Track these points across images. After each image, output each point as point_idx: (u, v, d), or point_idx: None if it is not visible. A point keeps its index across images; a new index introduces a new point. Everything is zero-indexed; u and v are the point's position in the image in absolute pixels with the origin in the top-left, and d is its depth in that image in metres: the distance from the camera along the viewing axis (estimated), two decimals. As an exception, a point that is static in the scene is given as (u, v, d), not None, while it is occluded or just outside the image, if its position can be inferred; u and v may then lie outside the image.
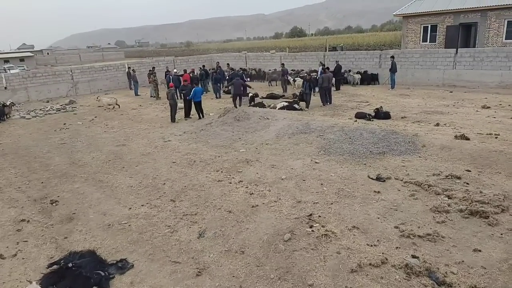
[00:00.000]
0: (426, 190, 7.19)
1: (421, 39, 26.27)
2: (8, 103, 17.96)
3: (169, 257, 5.71)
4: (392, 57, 19.57)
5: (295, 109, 15.24)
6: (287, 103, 15.91)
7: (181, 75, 20.41)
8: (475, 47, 23.02)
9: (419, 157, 8.95)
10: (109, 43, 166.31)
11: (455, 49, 19.21)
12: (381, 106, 13.53)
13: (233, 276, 5.16)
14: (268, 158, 9.78)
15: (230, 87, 19.41)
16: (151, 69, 23.04)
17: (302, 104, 15.85)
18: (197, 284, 5.07)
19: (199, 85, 19.03)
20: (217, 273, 5.26)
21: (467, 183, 7.36)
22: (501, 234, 5.59)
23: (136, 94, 22.89)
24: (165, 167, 9.68)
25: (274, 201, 7.25)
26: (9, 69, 41.48)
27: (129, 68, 25.38)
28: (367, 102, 16.23)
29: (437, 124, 11.76)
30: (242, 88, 16.76)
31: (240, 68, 25.98)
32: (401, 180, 7.71)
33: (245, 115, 13.83)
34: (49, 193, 8.42)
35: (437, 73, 19.64)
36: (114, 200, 7.89)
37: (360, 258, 5.23)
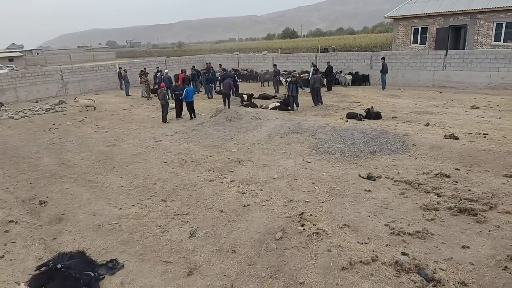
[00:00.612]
0: (416, 188, 7.27)
1: (411, 41, 26.57)
2: (-4, 103, 17.70)
3: (160, 257, 5.67)
4: (383, 58, 19.76)
5: (287, 109, 15.28)
6: (279, 104, 15.96)
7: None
8: (464, 49, 23.36)
9: (409, 156, 9.05)
10: (100, 43, 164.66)
11: (445, 51, 19.47)
12: (372, 107, 13.64)
13: (225, 275, 5.15)
14: (260, 158, 9.78)
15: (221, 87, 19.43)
16: (143, 69, 22.93)
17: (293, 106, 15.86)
18: (188, 284, 5.04)
19: (191, 85, 18.94)
20: (209, 273, 5.24)
21: (456, 182, 7.45)
22: (489, 231, 5.67)
23: (127, 94, 22.73)
24: (156, 167, 9.62)
25: (266, 200, 7.26)
26: (-3, 69, 40.86)
27: (120, 68, 25.18)
28: (358, 102, 16.35)
29: (427, 124, 11.90)
30: (230, 88, 16.75)
31: (232, 69, 25.96)
32: (392, 179, 7.78)
33: (237, 115, 13.82)
34: (38, 194, 8.30)
35: (427, 74, 19.88)
36: (104, 200, 7.81)
37: (350, 255, 5.26)
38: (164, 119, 14.90)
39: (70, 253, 5.57)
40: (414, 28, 26.27)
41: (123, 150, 11.31)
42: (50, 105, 19.62)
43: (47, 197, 8.10)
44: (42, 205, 7.71)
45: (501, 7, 21.87)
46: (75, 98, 19.54)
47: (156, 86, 21.43)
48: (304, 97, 18.31)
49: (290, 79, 16.64)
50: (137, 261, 5.63)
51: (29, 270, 5.39)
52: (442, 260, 5.05)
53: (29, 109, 18.70)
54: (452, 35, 24.70)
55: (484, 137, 10.04)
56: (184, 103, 15.13)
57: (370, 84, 21.61)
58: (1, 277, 5.36)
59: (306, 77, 21.44)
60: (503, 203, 6.46)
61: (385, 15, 29.26)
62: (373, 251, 5.33)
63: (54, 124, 15.49)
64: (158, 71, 23.50)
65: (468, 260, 5.02)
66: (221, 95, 20.68)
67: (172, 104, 15.77)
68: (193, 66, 24.46)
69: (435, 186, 7.24)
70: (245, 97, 18.19)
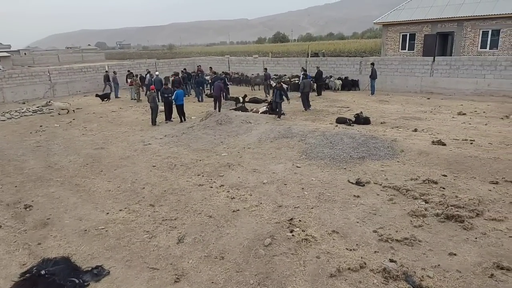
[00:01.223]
0: (404, 194, 7.33)
1: (400, 47, 26.95)
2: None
3: (147, 264, 5.59)
4: (372, 64, 19.98)
5: (275, 113, 15.30)
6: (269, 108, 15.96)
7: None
8: (451, 55, 23.79)
9: (398, 162, 9.14)
10: (89, 44, 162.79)
11: (433, 57, 19.79)
12: (361, 112, 13.75)
13: (212, 282, 5.10)
14: (250, 162, 9.76)
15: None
16: (129, 71, 22.89)
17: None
18: (175, 291, 4.98)
19: (181, 88, 18.83)
20: (196, 279, 5.18)
21: (443, 188, 7.55)
22: (476, 238, 5.74)
23: (117, 97, 22.46)
24: (145, 171, 9.51)
25: (255, 206, 7.23)
26: (-17, 69, 39.96)
27: (107, 72, 24.80)
28: (347, 107, 16.48)
29: (415, 130, 12.05)
30: (221, 91, 16.73)
31: (223, 72, 25.93)
32: (380, 185, 7.84)
33: (227, 119, 13.79)
34: (23, 198, 8.11)
35: (415, 80, 20.17)
36: (91, 204, 7.68)
37: (339, 262, 5.27)
38: (154, 122, 14.77)
39: (55, 259, 5.46)
40: (402, 35, 26.66)
41: (111, 154, 11.15)
42: (37, 107, 19.25)
43: (33, 201, 7.93)
44: (27, 209, 7.54)
45: (487, 15, 22.37)
46: (49, 101, 19.17)
47: (144, 88, 21.32)
48: (294, 101, 18.41)
49: (274, 84, 16.50)
50: (123, 267, 5.53)
51: (12, 277, 5.25)
52: (430, 267, 5.09)
53: (15, 111, 18.32)
54: (440, 41, 25.14)
55: (471, 143, 10.21)
56: (174, 106, 15.03)
57: (359, 89, 21.82)
58: (-18, 285, 5.21)
59: (297, 81, 21.56)
60: (489, 210, 6.56)
61: (374, 21, 29.64)
62: (361, 258, 5.34)
63: (41, 126, 15.22)
64: (147, 73, 23.33)
65: (455, 267, 5.07)
66: (212, 98, 20.73)
67: (162, 106, 15.65)
68: (184, 69, 24.34)
69: (423, 192, 7.32)
70: (240, 99, 18.16)
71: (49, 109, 18.74)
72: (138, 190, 8.31)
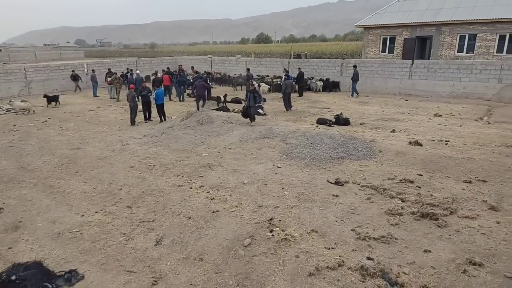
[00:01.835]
0: (381, 193, 7.45)
1: (380, 50, 27.51)
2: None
3: (124, 267, 5.46)
4: (355, 66, 20.28)
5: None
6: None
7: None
8: (429, 59, 24.46)
9: (376, 162, 9.29)
10: (68, 42, 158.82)
11: (411, 60, 20.29)
12: (341, 113, 13.94)
13: (191, 284, 5.03)
14: (230, 163, 9.71)
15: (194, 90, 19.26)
16: (108, 70, 22.41)
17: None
18: (152, 294, 4.89)
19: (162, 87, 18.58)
20: (174, 282, 5.10)
21: (419, 187, 7.72)
22: (449, 235, 5.89)
23: (95, 95, 21.96)
24: (122, 172, 9.31)
25: (235, 206, 7.19)
26: (-47, 66, 38.21)
27: (73, 71, 24.00)
28: (328, 108, 16.67)
29: (393, 131, 12.30)
30: (204, 90, 16.62)
31: (205, 72, 25.78)
32: (358, 184, 7.95)
33: (208, 119, 13.68)
34: (-7, 200, 7.79)
35: (394, 82, 20.62)
36: (65, 207, 7.44)
37: (318, 261, 5.29)
38: (133, 122, 14.51)
39: (26, 264, 5.27)
40: (383, 38, 27.22)
41: (88, 154, 10.87)
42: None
43: (4, 203, 7.61)
44: (-3, 212, 7.24)
45: (464, 20, 23.13)
46: (9, 101, 18.38)
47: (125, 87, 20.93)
48: (276, 102, 18.49)
49: (250, 87, 15.70)
50: (98, 271, 5.38)
51: (-22, 283, 5.03)
52: (405, 264, 5.19)
53: None
54: (419, 45, 25.81)
55: (446, 144, 10.50)
56: (154, 105, 14.82)
57: (340, 91, 22.11)
58: None
59: (279, 82, 21.67)
60: (462, 208, 6.75)
61: (356, 24, 30.15)
62: (339, 256, 5.39)
63: (14, 125, 14.68)
64: (127, 72, 22.93)
65: (430, 264, 5.18)
66: (193, 98, 20.55)
67: (141, 106, 15.39)
68: (168, 68, 24.05)
69: (400, 191, 7.47)
70: (222, 98, 18.09)
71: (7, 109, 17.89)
72: (115, 192, 8.12)
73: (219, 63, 30.16)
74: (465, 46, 23.72)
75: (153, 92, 16.60)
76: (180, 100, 20.10)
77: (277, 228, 6.26)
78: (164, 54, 58.24)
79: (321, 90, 22.05)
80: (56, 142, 12.16)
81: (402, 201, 7.03)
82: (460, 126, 12.94)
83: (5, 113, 17.07)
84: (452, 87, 18.83)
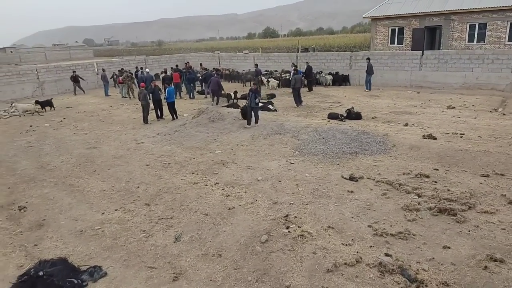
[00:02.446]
0: (397, 189, 7.46)
1: (389, 41, 27.18)
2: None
3: (145, 263, 5.61)
4: (368, 59, 20.01)
5: (269, 109, 15.35)
6: (262, 104, 15.98)
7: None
8: (439, 49, 24.10)
9: (390, 156, 9.27)
10: (76, 41, 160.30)
11: (421, 51, 20.02)
12: (353, 107, 13.88)
13: (211, 280, 5.15)
14: (244, 160, 9.80)
15: (207, 86, 19.43)
16: (121, 69, 22.56)
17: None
18: (174, 289, 5.02)
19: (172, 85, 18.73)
20: (194, 277, 5.22)
21: (435, 182, 7.69)
22: (469, 231, 5.88)
23: (107, 95, 22.22)
24: (139, 170, 9.48)
25: (251, 203, 7.29)
26: (-33, 68, 38.92)
27: (74, 72, 23.93)
28: (339, 102, 16.61)
29: (406, 124, 12.22)
30: (218, 85, 16.78)
31: (214, 68, 25.83)
32: (373, 180, 7.96)
33: (219, 116, 13.78)
34: (17, 199, 8.03)
35: (405, 74, 20.40)
36: (86, 205, 7.64)
37: (335, 257, 5.36)
38: (145, 120, 14.68)
39: (52, 260, 5.45)
40: (391, 29, 26.87)
41: (104, 153, 11.07)
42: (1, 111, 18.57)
43: (27, 202, 7.85)
44: (22, 210, 7.47)
45: (474, 8, 22.69)
46: (12, 103, 18.55)
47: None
48: (286, 97, 18.48)
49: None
50: (121, 267, 5.55)
51: (10, 279, 5.23)
52: (424, 260, 5.21)
53: (4, 110, 17.96)
54: (428, 35, 25.43)
55: (461, 137, 10.41)
56: (165, 104, 14.99)
57: (350, 84, 21.97)
58: (-21, 289, 5.18)
59: (288, 77, 21.62)
60: (481, 203, 6.71)
61: (363, 15, 29.79)
62: (357, 252, 5.44)
63: (31, 126, 14.99)
64: (137, 70, 23.11)
65: (450, 260, 5.19)
66: (203, 95, 20.68)
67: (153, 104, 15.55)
68: (176, 65, 24.17)
69: (416, 186, 7.45)
70: (232, 94, 18.17)
71: (38, 109, 18.36)
72: (133, 190, 8.29)
73: (227, 59, 30.18)
74: (476, 36, 23.29)
75: (163, 90, 16.77)
76: (190, 98, 20.22)
77: (293, 225, 6.33)
78: (172, 52, 58.51)
79: (331, 84, 21.95)
80: (73, 142, 12.40)
81: (418, 196, 7.03)
82: (475, 118, 12.79)
83: (9, 117, 17.16)
84: (464, 78, 18.56)
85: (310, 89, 20.34)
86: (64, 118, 16.13)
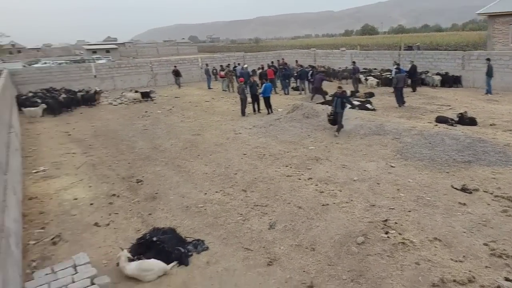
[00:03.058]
0: (521, 207, 6.47)
1: (510, 40, 23.50)
2: (97, 90, 19.95)
3: (242, 244, 5.93)
4: (488, 59, 17.68)
5: (367, 109, 14.69)
6: (359, 103, 15.39)
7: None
8: None
9: (512, 170, 8.07)
10: (183, 38, 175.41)
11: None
12: (466, 111, 12.42)
13: (304, 271, 5.20)
14: (338, 158, 9.59)
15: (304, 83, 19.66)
16: (224, 65, 23.95)
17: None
18: (268, 273, 5.20)
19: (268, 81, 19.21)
20: (288, 266, 5.33)
21: None
22: None
23: (209, 88, 23.86)
24: (237, 158, 10.00)
25: (346, 202, 7.11)
26: (97, 60, 45.69)
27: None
28: (448, 106, 15.02)
29: (534, 135, 10.48)
30: (321, 83, 16.79)
31: (309, 66, 25.69)
32: (491, 194, 7.03)
33: (314, 112, 13.68)
34: (135, 173, 9.21)
35: (533, 78, 17.41)
36: (191, 184, 8.38)
37: (442, 272, 4.91)
38: (243, 113, 15.38)
39: (163, 229, 6.12)
40: (514, 26, 23.19)
41: (207, 140, 11.97)
42: (114, 99, 21.03)
43: (143, 176, 8.95)
44: (139, 183, 8.55)
45: None
46: (121, 93, 21.01)
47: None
48: (386, 96, 17.46)
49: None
50: (220, 244, 5.96)
51: (129, 239, 6.05)
52: (556, 291, 4.45)
53: (115, 99, 20.25)
54: None
55: None
56: (262, 98, 15.49)
57: (462, 86, 19.67)
58: (107, 242, 6.11)
59: (388, 76, 20.36)
60: None
61: (477, 12, 26.30)
62: (469, 271, 4.90)
63: (146, 111, 16.98)
64: (235, 66, 24.29)
65: None
66: (297, 91, 20.78)
67: (250, 98, 16.20)
68: (272, 62, 24.76)
69: (546, 206, 6.38)
70: (327, 92, 17.88)
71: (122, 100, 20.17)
72: (231, 175, 8.80)
73: (323, 57, 29.70)
74: None
75: (260, 85, 17.30)
76: (285, 94, 20.51)
77: (393, 231, 5.99)
78: (268, 48, 60.04)
79: (439, 85, 19.96)
80: (180, 128, 13.68)
81: (550, 218, 6.00)
82: None
83: (120, 104, 19.39)
84: None
85: (414, 90, 18.81)
86: (173, 107, 17.87)
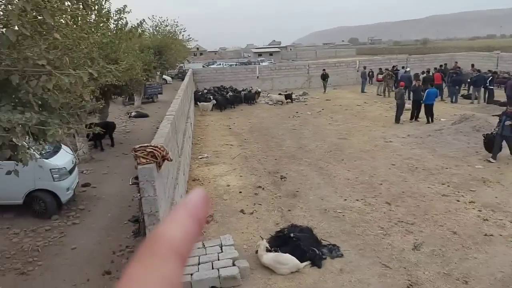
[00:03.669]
0: None
1: None
2: (259, 90, 22.10)
3: (380, 259, 5.61)
4: None
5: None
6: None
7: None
8: None
9: None
10: (343, 40, 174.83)
11: None
12: None
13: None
14: (513, 183, 7.87)
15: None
16: (392, 67, 22.78)
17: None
18: (408, 298, 4.78)
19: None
20: (431, 294, 4.76)
21: None
22: None
23: (363, 91, 23.09)
24: (383, 168, 9.43)
25: (519, 237, 5.81)
26: (261, 62, 50.33)
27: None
28: None
29: None
30: None
31: (489, 71, 21.62)
32: None
33: (488, 126, 11.59)
34: (280, 169, 9.83)
35: None
36: (331, 188, 8.39)
37: None
38: (398, 120, 14.30)
39: (301, 227, 6.36)
40: None
41: (353, 145, 11.70)
42: (295, 96, 22.51)
43: (286, 173, 9.48)
44: (282, 179, 9.09)
45: None
46: (267, 94, 21.81)
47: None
48: None
49: (506, 109, 9.29)
50: (356, 254, 5.79)
51: (269, 230, 6.54)
52: None
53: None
54: None
55: None
56: (422, 106, 14.05)
57: None
58: (249, 229, 6.76)
59: None
60: None
61: None
62: None
63: (297, 112, 17.79)
64: (396, 70, 22.63)
65: None
66: (468, 100, 17.87)
67: (408, 105, 14.91)
68: (440, 66, 22.05)
69: None
70: None
71: (304, 98, 21.56)
72: (376, 185, 8.37)
73: (509, 61, 24.50)
74: None
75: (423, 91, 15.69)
76: (452, 102, 17.96)
77: None
78: (437, 50, 53.60)
79: None
80: (327, 131, 13.80)
81: None
82: None
83: (273, 104, 20.50)
84: None
85: None
86: (322, 109, 18.13)
